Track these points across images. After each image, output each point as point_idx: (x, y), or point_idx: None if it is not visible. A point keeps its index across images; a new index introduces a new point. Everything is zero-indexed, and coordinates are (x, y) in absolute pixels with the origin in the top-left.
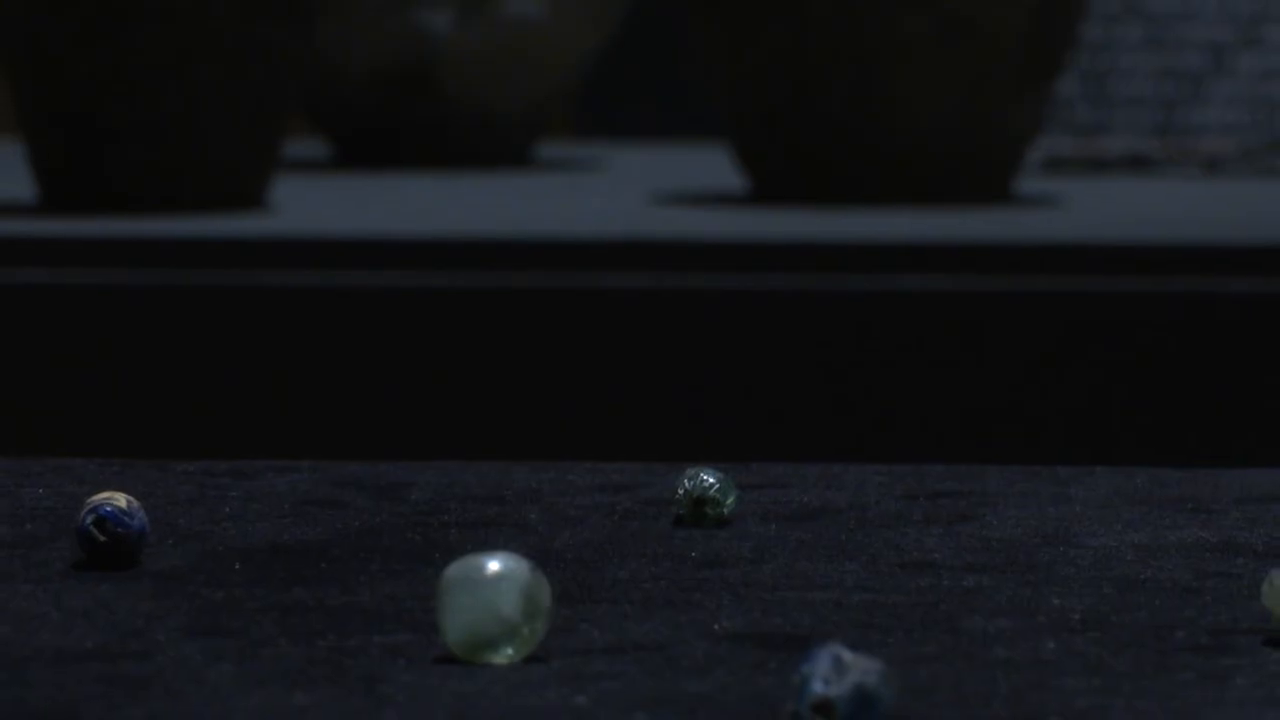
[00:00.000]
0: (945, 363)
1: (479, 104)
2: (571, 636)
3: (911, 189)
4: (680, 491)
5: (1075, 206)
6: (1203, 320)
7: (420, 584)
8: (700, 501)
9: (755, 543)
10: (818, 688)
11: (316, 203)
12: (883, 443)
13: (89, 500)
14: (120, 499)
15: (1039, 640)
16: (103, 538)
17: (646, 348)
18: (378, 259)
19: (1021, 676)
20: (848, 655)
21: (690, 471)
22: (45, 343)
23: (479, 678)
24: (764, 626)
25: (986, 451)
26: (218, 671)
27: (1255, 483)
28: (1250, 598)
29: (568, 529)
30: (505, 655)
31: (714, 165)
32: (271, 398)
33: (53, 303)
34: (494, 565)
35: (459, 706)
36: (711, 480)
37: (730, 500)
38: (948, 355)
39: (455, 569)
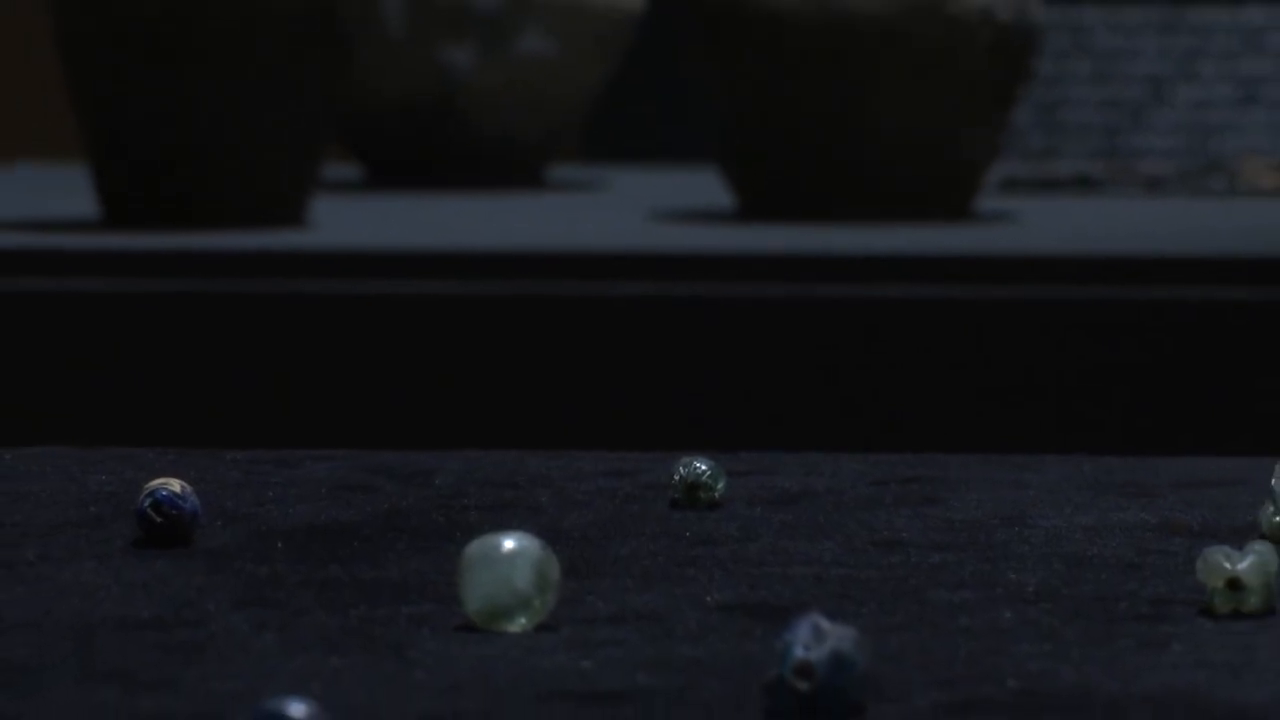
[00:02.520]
0: (913, 362)
1: (497, 131)
2: (578, 607)
3: (883, 207)
4: (676, 477)
5: (1029, 222)
6: (1144, 323)
7: (443, 560)
8: (694, 486)
9: (743, 523)
10: (799, 653)
11: (351, 220)
12: (858, 434)
13: (147, 485)
14: (175, 484)
15: (997, 610)
16: (159, 519)
17: (645, 349)
18: (406, 270)
19: (981, 643)
20: (826, 624)
21: (685, 459)
22: (107, 344)
23: (496, 644)
24: (751, 598)
25: (950, 441)
26: (262, 639)
27: (1191, 469)
28: (1186, 573)
29: (575, 510)
30: (519, 624)
31: (707, 186)
32: (310, 393)
33: (114, 309)
34: (509, 543)
35: (478, 669)
36: (704, 467)
37: (720, 485)
38: (916, 355)
39: (474, 547)
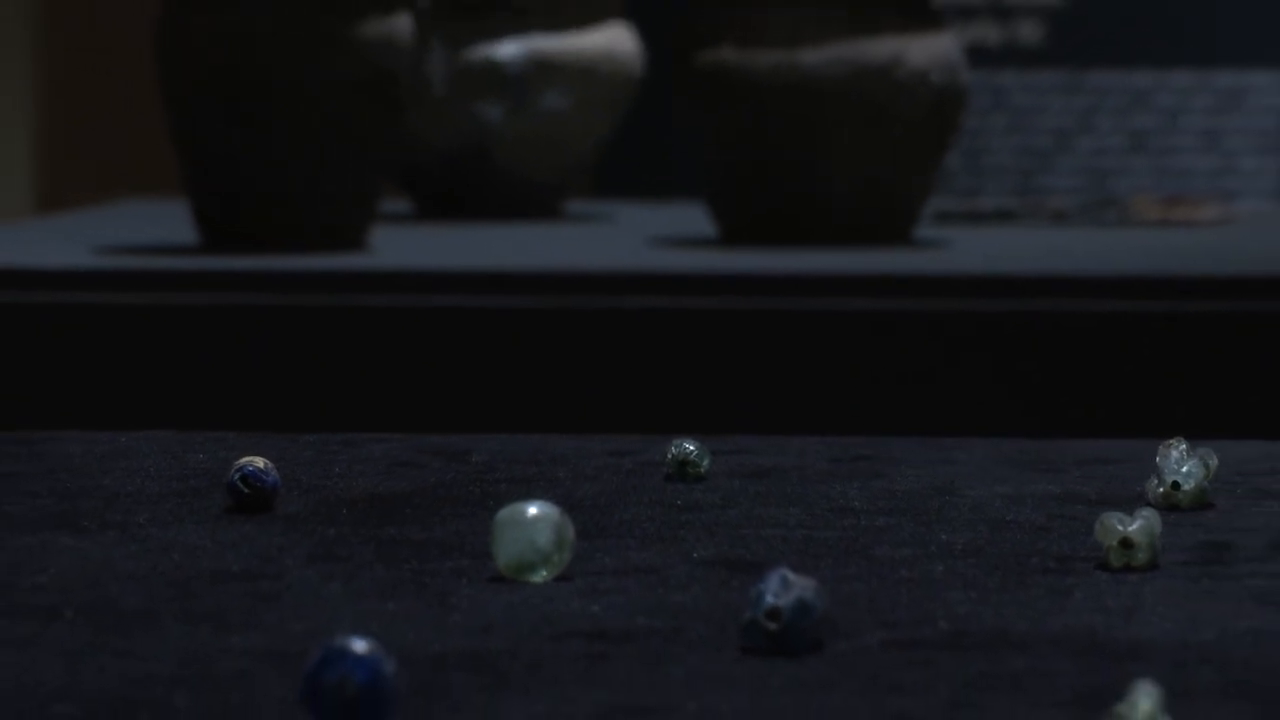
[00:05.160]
0: (864, 361)
1: (522, 173)
2: (589, 562)
3: (838, 235)
4: (669, 455)
5: (959, 248)
6: (1053, 329)
7: (479, 523)
8: (683, 463)
9: (724, 493)
10: (770, 599)
11: (404, 245)
12: (818, 420)
13: (236, 462)
14: (259, 461)
15: (931, 564)
16: (246, 490)
17: (644, 351)
18: (449, 286)
19: (918, 591)
20: (792, 576)
21: (676, 441)
22: (203, 347)
23: (522, 592)
24: (730, 555)
25: (893, 426)
26: (330, 588)
27: (1089, 449)
28: (1086, 534)
29: (586, 483)
30: (541, 576)
31: (695, 218)
32: (370, 387)
33: (209, 319)
34: (533, 509)
35: (507, 612)
36: (692, 447)
37: (706, 462)
38: (866, 355)
39: (504, 512)
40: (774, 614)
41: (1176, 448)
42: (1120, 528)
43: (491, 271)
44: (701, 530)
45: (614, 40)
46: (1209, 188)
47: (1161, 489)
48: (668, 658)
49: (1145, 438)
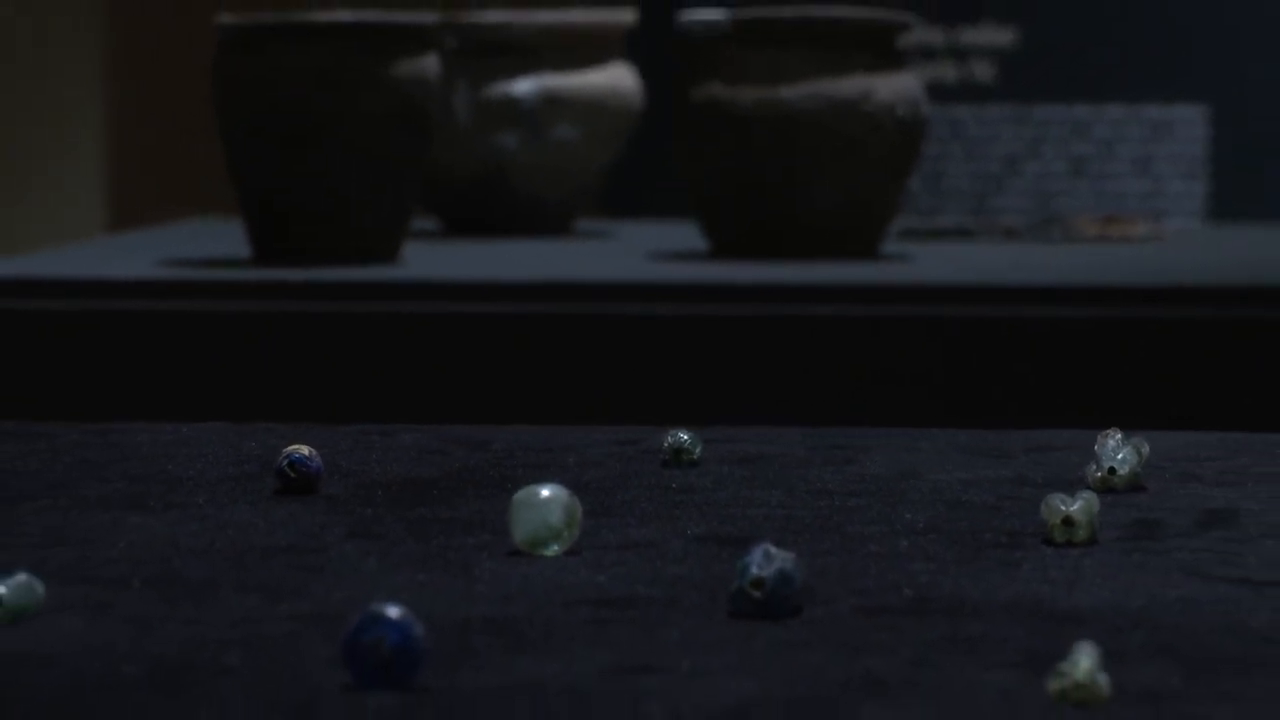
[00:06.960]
0: (838, 360)
1: (536, 195)
2: (595, 538)
3: (815, 249)
4: (665, 444)
5: (921, 261)
6: (1006, 333)
7: (498, 504)
8: (678, 451)
9: (714, 477)
10: (754, 570)
11: (432, 259)
12: (798, 412)
13: (284, 449)
14: (304, 449)
15: (897, 540)
16: (293, 474)
17: (643, 351)
18: (472, 295)
19: (885, 563)
20: (774, 550)
21: (672, 431)
22: (254, 348)
23: (536, 564)
24: (719, 532)
25: (864, 418)
26: (367, 562)
27: (1037, 439)
28: (1032, 513)
29: (592, 468)
30: (553, 550)
31: (688, 234)
32: (403, 384)
33: (260, 323)
34: (545, 491)
35: (523, 582)
36: (686, 436)
37: (698, 450)
38: (839, 355)
39: (521, 494)
40: (758, 583)
41: (1113, 437)
42: (1063, 507)
43: (509, 282)
44: (694, 510)
45: (617, 78)
46: (1141, 208)
47: (1099, 473)
48: (664, 622)
49: (1085, 428)
